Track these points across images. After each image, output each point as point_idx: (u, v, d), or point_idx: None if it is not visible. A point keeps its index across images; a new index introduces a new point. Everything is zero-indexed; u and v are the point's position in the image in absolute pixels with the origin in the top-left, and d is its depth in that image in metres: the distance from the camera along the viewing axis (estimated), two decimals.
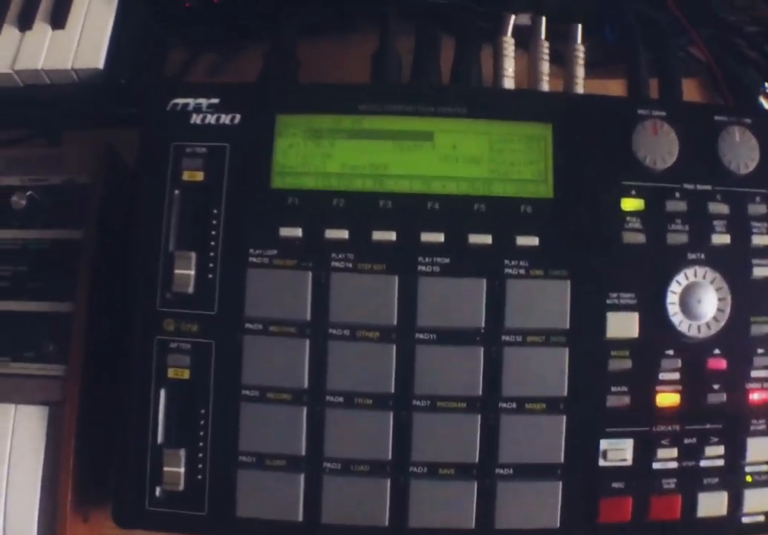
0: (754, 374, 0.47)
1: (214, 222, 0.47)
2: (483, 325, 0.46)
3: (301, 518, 0.45)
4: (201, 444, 0.46)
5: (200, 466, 0.46)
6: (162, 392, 0.46)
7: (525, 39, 0.54)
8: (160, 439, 0.46)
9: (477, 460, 0.45)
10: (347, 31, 0.60)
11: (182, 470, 0.45)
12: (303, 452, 0.45)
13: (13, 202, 0.51)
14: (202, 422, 0.46)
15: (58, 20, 0.58)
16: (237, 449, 0.45)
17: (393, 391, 0.45)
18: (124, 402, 0.47)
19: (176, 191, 0.47)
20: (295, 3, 0.57)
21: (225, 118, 0.48)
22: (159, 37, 0.62)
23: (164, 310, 0.46)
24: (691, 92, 0.59)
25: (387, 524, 0.45)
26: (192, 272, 0.46)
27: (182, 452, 0.45)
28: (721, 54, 0.58)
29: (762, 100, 0.58)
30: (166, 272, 0.46)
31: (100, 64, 0.57)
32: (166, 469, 0.45)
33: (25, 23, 0.58)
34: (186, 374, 0.46)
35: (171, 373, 0.46)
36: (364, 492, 0.45)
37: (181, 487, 0.45)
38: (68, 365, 0.49)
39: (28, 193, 0.51)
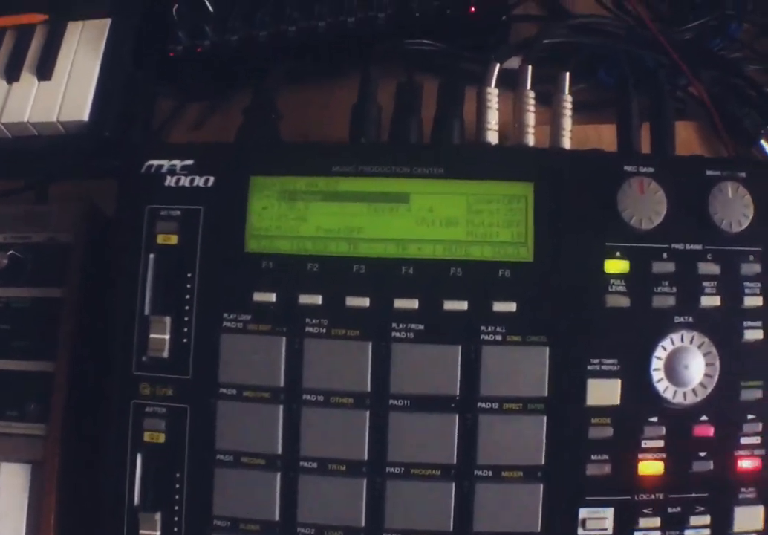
0: (743, 440, 0.45)
1: (189, 286, 0.47)
2: (458, 392, 0.45)
3: None
4: (176, 508, 0.46)
5: (175, 529, 0.46)
6: (138, 456, 0.46)
7: (513, 80, 0.52)
8: (136, 501, 0.46)
9: (451, 529, 0.44)
10: (330, 79, 0.60)
11: (158, 533, 0.46)
12: (277, 518, 0.45)
13: None
14: (177, 486, 0.46)
15: (44, 72, 0.59)
16: (211, 514, 0.46)
17: (366, 458, 0.45)
18: (102, 465, 0.47)
19: (151, 255, 0.47)
20: (278, 53, 0.57)
21: (199, 181, 0.48)
22: (145, 88, 0.62)
23: (140, 374, 0.47)
24: (690, 135, 0.57)
25: None
26: (167, 337, 0.46)
27: (158, 516, 0.46)
28: (721, 95, 0.56)
29: (763, 143, 0.55)
30: (142, 336, 0.47)
31: (85, 116, 0.58)
32: (142, 532, 0.46)
33: (12, 75, 0.59)
34: (161, 438, 0.46)
35: (147, 436, 0.46)
36: None
37: None
38: (49, 425, 0.49)
39: (9, 252, 0.52)
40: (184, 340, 0.47)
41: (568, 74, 0.51)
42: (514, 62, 0.53)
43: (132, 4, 0.61)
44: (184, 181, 0.48)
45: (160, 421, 0.46)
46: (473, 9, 0.56)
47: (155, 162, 0.48)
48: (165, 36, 0.59)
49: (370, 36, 0.57)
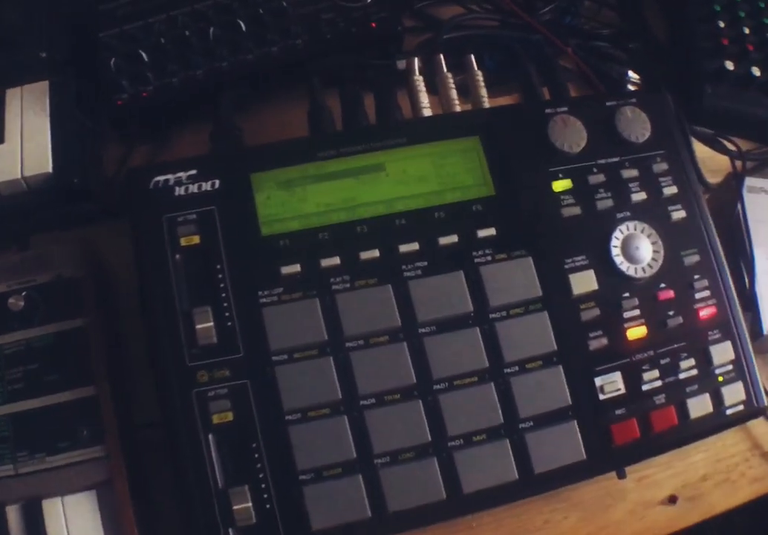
0: (697, 295, 0.57)
1: (220, 276, 0.52)
2: (471, 308, 0.53)
3: (370, 514, 0.50)
4: (261, 475, 0.50)
5: (266, 496, 0.49)
6: (211, 438, 0.50)
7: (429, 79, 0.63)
8: (221, 483, 0.49)
9: (502, 420, 0.52)
10: (273, 100, 0.68)
11: (250, 504, 0.49)
12: (354, 455, 0.50)
13: (11, 304, 0.54)
14: (256, 455, 0.50)
15: None
16: (296, 470, 0.50)
17: (415, 381, 0.52)
18: (177, 457, 0.50)
19: (177, 256, 0.52)
20: (217, 86, 0.64)
21: (206, 185, 0.54)
22: (96, 134, 0.65)
23: (194, 364, 0.51)
24: (572, 93, 0.70)
25: (445, 496, 0.51)
26: (212, 324, 0.51)
27: (246, 488, 0.49)
28: (586, 58, 0.69)
29: (630, 87, 0.69)
30: (188, 330, 0.51)
31: (49, 167, 0.60)
32: (235, 507, 0.49)
33: None
34: (230, 417, 0.50)
35: (215, 419, 0.50)
36: (417, 474, 0.51)
37: (254, 520, 0.49)
38: (106, 444, 0.52)
39: (24, 293, 0.54)
40: (228, 323, 0.52)
41: (472, 55, 0.63)
42: (402, 64, 0.64)
43: (65, 64, 0.65)
44: (193, 188, 0.54)
45: (225, 401, 0.50)
46: (374, 25, 0.67)
47: (161, 177, 0.54)
48: (109, 87, 0.64)
49: (293, 60, 0.66)
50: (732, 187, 0.69)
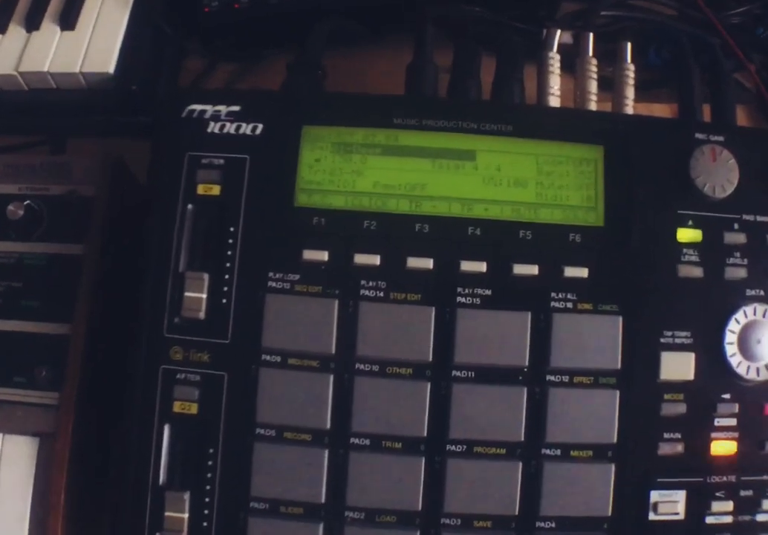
0: None
1: (231, 241, 0.43)
2: (526, 363, 0.42)
3: None
4: (208, 487, 0.42)
5: (206, 512, 0.42)
6: (166, 428, 0.42)
7: (570, 61, 0.50)
8: (162, 480, 0.42)
9: (517, 512, 0.41)
10: (379, 45, 0.57)
11: (186, 515, 0.41)
12: (323, 500, 0.41)
13: (9, 212, 0.48)
14: (209, 463, 0.42)
15: (68, 21, 0.55)
16: (249, 494, 0.41)
17: (425, 434, 0.41)
18: (124, 437, 0.43)
19: (189, 206, 0.43)
20: (321, 10, 0.54)
21: (246, 128, 0.44)
22: (175, 44, 0.58)
23: (172, 336, 0.43)
24: (740, 118, 0.55)
25: None
26: (204, 296, 0.42)
27: (186, 496, 0.42)
28: None
29: None
30: (176, 295, 0.43)
31: (111, 68, 0.54)
32: (167, 514, 0.41)
33: (32, 23, 0.55)
34: (194, 409, 0.42)
35: (177, 407, 0.42)
36: None
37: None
38: (62, 394, 0.45)
39: (26, 202, 0.47)
40: (224, 300, 0.42)
41: (629, 44, 0.49)
42: (568, 37, 0.52)
43: None
44: (230, 127, 0.44)
45: (193, 389, 0.42)
46: None
47: (198, 106, 0.44)
48: None
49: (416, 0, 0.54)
50: None
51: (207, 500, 0.41)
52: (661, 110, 0.53)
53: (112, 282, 0.47)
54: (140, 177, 0.50)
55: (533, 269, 0.42)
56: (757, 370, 0.43)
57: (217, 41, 0.59)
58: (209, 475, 0.41)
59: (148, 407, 0.42)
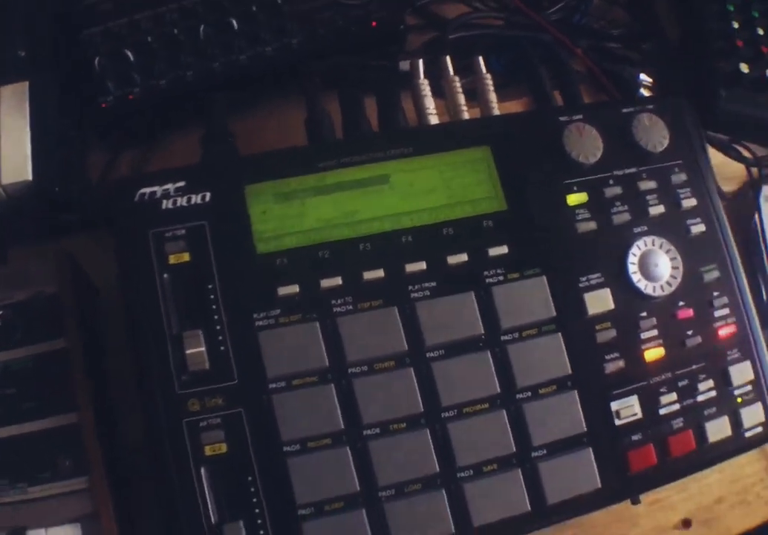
0: (716, 313, 0.54)
1: (212, 296, 0.49)
2: (482, 331, 0.50)
3: None
4: (257, 510, 0.46)
5: (262, 532, 0.46)
6: (203, 471, 0.46)
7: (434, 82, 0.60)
8: (214, 518, 0.46)
9: (514, 449, 0.49)
10: (266, 104, 0.64)
11: None
12: (358, 488, 0.47)
13: None
14: (252, 489, 0.46)
15: None
16: (294, 505, 0.46)
17: (422, 409, 0.49)
18: (166, 492, 0.46)
19: (165, 275, 0.48)
20: (208, 88, 0.60)
21: (196, 198, 0.50)
22: (77, 141, 0.62)
23: (185, 392, 0.47)
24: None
25: (453, 530, 0.48)
26: (203, 349, 0.47)
27: (241, 524, 0.46)
28: (597, 60, 0.66)
29: (642, 90, 0.66)
30: (178, 355, 0.47)
31: (29, 175, 0.56)
32: None
33: None
34: (223, 448, 0.47)
35: (208, 450, 0.47)
36: (425, 508, 0.48)
37: None
38: (91, 475, 0.49)
39: (0, 312, 0.51)
40: (221, 348, 0.48)
41: (480, 57, 0.59)
42: (405, 65, 0.61)
43: (46, 63, 0.61)
44: (181, 201, 0.50)
45: (219, 431, 0.47)
46: (374, 23, 0.64)
47: (147, 189, 0.50)
48: (93, 89, 0.60)
49: (288, 61, 0.63)
50: (748, 196, 0.66)
51: (259, 521, 0.46)
52: (517, 105, 0.63)
53: (95, 367, 0.52)
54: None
55: (463, 257, 0.51)
56: (661, 287, 0.53)
57: (115, 132, 0.63)
58: (255, 499, 0.46)
59: (181, 458, 0.46)
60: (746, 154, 0.67)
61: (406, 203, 0.52)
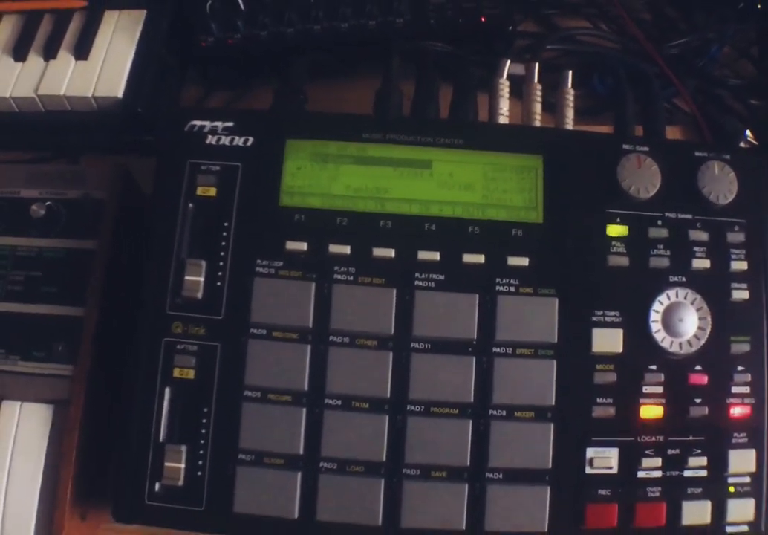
0: (734, 389, 0.49)
1: (225, 234, 0.50)
2: (475, 336, 0.49)
3: (296, 516, 0.47)
4: (202, 441, 0.48)
5: (200, 463, 0.48)
6: (167, 390, 0.48)
7: (518, 88, 0.58)
8: (162, 436, 0.48)
9: (468, 463, 0.47)
10: (351, 76, 0.65)
11: (183, 465, 0.47)
12: (301, 451, 0.47)
13: (32, 211, 0.54)
14: (204, 420, 0.48)
15: (81, 51, 0.62)
16: (237, 447, 0.47)
17: (389, 396, 0.48)
18: (129, 399, 0.49)
19: (190, 205, 0.51)
20: (303, 47, 0.62)
21: (238, 140, 0.52)
22: (175, 72, 0.66)
23: (173, 313, 0.49)
24: (676, 137, 0.63)
25: (380, 523, 0.46)
26: (201, 279, 0.49)
27: (184, 448, 0.47)
28: (704, 103, 0.62)
29: (743, 146, 0.62)
30: (177, 278, 0.49)
31: (120, 93, 0.61)
32: (167, 464, 0.47)
33: (49, 53, 0.63)
34: (191, 374, 0.48)
35: (176, 372, 0.48)
36: (358, 491, 0.47)
37: (181, 482, 0.47)
38: (76, 366, 0.51)
39: (47, 203, 0.55)
40: (218, 283, 0.49)
41: (570, 72, 0.57)
42: (519, 69, 0.60)
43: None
44: (225, 140, 0.52)
45: (191, 358, 0.49)
46: (483, 19, 0.63)
47: (198, 122, 0.52)
48: (198, 28, 0.63)
49: (388, 38, 0.63)
50: None
51: (201, 452, 0.47)
52: (594, 130, 0.61)
53: (119, 272, 0.54)
54: (143, 187, 0.59)
55: (480, 258, 0.49)
56: (680, 344, 0.49)
57: (212, 71, 0.66)
58: (203, 431, 0.48)
59: (151, 373, 0.48)
60: None
61: (441, 192, 0.51)
